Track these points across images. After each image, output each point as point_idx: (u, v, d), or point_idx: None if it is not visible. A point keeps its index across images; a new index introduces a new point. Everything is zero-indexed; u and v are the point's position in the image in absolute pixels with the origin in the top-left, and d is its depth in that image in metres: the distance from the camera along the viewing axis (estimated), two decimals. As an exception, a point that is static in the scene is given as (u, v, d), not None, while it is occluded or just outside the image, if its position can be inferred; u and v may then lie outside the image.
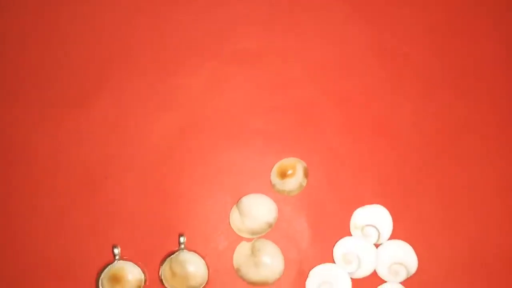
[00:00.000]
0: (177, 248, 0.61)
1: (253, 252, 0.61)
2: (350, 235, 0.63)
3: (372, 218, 0.62)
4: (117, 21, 0.68)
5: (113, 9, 0.68)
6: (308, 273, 0.61)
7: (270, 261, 0.61)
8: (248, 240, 0.63)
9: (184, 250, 0.61)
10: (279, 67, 0.67)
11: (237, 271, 0.62)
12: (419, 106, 0.66)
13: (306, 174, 0.64)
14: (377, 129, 0.65)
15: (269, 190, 0.64)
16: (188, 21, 0.68)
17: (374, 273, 0.62)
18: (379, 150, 0.65)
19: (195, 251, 0.61)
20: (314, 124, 0.66)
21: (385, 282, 0.61)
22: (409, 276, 0.61)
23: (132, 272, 0.60)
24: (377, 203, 0.63)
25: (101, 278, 0.60)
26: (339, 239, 0.62)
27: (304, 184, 0.64)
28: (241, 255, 0.62)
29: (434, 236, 0.63)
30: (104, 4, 0.68)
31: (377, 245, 0.62)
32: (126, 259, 0.61)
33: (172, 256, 0.60)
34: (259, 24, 0.68)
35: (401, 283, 0.61)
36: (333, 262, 0.62)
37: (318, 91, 0.67)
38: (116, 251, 0.61)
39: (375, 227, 0.62)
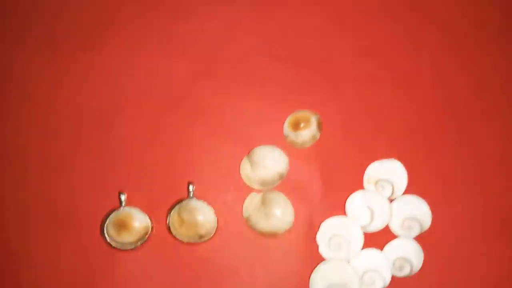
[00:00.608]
0: (185, 197, 0.59)
1: (264, 202, 0.60)
2: (364, 189, 0.61)
3: (387, 173, 0.61)
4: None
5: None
6: (319, 226, 0.60)
7: (281, 212, 0.60)
8: (258, 191, 0.61)
9: (194, 198, 0.59)
10: (297, 15, 0.65)
11: (246, 220, 0.60)
12: (440, 59, 0.64)
13: (320, 126, 0.62)
14: (395, 81, 0.64)
15: (282, 141, 0.62)
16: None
17: (387, 228, 0.60)
18: (397, 103, 0.63)
19: (204, 200, 0.59)
20: (330, 75, 0.64)
21: (398, 236, 0.60)
22: (422, 231, 0.60)
23: (139, 219, 0.59)
24: (392, 157, 0.61)
25: (106, 224, 0.58)
26: (352, 193, 0.61)
27: (318, 136, 0.62)
28: (251, 205, 0.60)
29: (449, 192, 0.61)
30: None
31: (390, 200, 0.61)
32: (133, 206, 0.59)
33: (181, 203, 0.59)
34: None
35: (414, 238, 0.59)
36: (345, 216, 0.60)
37: (336, 41, 0.65)
38: (123, 197, 0.59)
39: (389, 181, 0.60)
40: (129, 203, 0.60)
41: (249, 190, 0.61)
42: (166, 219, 0.59)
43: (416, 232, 0.59)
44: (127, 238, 0.58)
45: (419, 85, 0.64)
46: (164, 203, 0.60)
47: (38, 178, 0.61)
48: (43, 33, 0.64)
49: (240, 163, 0.62)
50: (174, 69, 0.63)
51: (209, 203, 0.59)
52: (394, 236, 0.60)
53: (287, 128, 0.62)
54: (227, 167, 0.62)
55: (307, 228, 0.60)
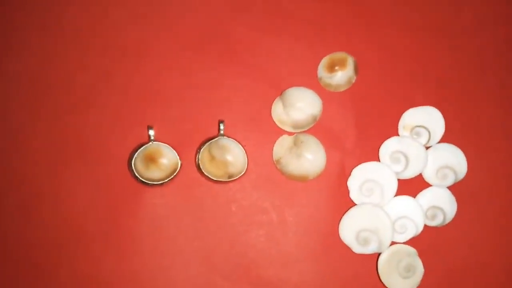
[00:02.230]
0: (215, 135, 0.58)
1: (296, 143, 0.58)
2: (398, 136, 0.59)
3: (424, 119, 0.59)
4: None
5: None
6: (351, 171, 0.58)
7: (312, 156, 0.58)
8: (290, 133, 0.59)
9: (225, 136, 0.57)
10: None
11: (276, 163, 0.58)
12: (480, 7, 0.61)
13: (356, 69, 0.60)
14: (434, 27, 0.61)
15: (316, 84, 0.60)
16: None
17: (421, 176, 0.59)
18: (435, 50, 0.61)
19: (235, 139, 0.58)
20: (368, 18, 0.62)
21: (431, 185, 0.58)
22: (457, 181, 0.58)
23: (167, 154, 0.57)
24: (429, 104, 0.59)
25: (134, 158, 0.57)
26: (386, 139, 0.59)
27: (354, 80, 0.60)
28: (282, 147, 0.59)
29: (486, 142, 0.59)
30: None
31: (426, 147, 0.59)
32: (161, 142, 0.57)
33: (211, 140, 0.57)
34: None
35: (448, 188, 0.58)
36: (379, 162, 0.58)
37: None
38: (152, 132, 0.57)
39: (426, 128, 0.58)
40: (157, 138, 0.58)
41: (280, 132, 0.60)
42: (196, 156, 0.57)
43: (450, 181, 0.58)
44: (155, 173, 0.56)
45: (459, 32, 0.61)
46: (193, 141, 0.59)
47: (66, 110, 0.59)
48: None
49: (271, 104, 0.60)
50: (203, 5, 0.61)
51: (240, 142, 0.58)
52: (428, 185, 0.58)
53: (321, 70, 0.60)
54: (258, 107, 0.60)
55: (339, 173, 0.59)
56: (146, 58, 0.60)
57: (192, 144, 0.59)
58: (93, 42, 0.60)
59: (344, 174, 0.59)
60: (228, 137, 0.58)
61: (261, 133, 0.60)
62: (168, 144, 0.58)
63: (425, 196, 0.58)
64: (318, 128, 0.60)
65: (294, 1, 0.62)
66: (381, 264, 0.56)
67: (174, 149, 0.57)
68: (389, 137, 0.59)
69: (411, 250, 0.56)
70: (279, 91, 0.60)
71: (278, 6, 0.62)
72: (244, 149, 0.58)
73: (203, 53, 0.60)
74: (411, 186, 0.59)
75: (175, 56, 0.60)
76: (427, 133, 0.58)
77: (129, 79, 0.60)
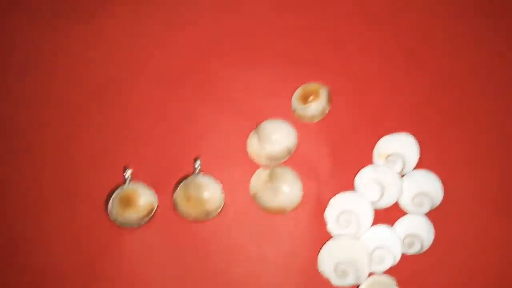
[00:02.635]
0: (191, 173, 0.58)
1: (271, 178, 0.58)
2: (373, 164, 0.59)
3: (398, 147, 0.59)
4: None
5: None
6: (328, 202, 0.59)
7: (288, 188, 0.58)
8: (266, 167, 0.60)
9: (200, 174, 0.58)
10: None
11: (253, 197, 0.59)
12: (453, 29, 0.62)
13: (330, 99, 0.60)
14: (407, 52, 0.61)
15: (290, 115, 0.61)
16: None
17: (397, 204, 0.59)
18: (408, 75, 0.61)
19: (211, 176, 0.58)
20: (340, 46, 0.62)
21: (407, 213, 0.58)
22: (433, 208, 0.58)
23: (144, 195, 0.57)
24: (404, 131, 0.60)
25: (111, 200, 0.57)
26: (362, 168, 0.59)
27: (327, 110, 0.60)
28: (258, 181, 0.59)
29: (461, 167, 0.60)
30: None
31: (401, 175, 0.59)
32: (138, 182, 0.58)
33: (187, 179, 0.57)
34: None
35: (425, 215, 0.58)
36: (354, 192, 0.59)
37: (346, 10, 0.62)
38: (128, 172, 0.58)
39: (400, 156, 0.59)
40: (134, 178, 0.58)
41: (257, 165, 0.60)
42: (172, 196, 0.58)
43: (426, 208, 0.58)
44: (132, 215, 0.57)
45: (432, 56, 0.61)
46: (170, 179, 0.59)
47: (41, 153, 0.59)
48: (44, 3, 0.62)
49: (247, 137, 0.60)
50: (180, 40, 0.61)
51: (216, 179, 0.58)
52: (404, 212, 0.59)
53: (295, 102, 0.61)
54: (234, 142, 0.60)
55: (316, 205, 0.59)
56: (119, 97, 0.60)
57: (169, 183, 0.59)
58: (68, 80, 0.61)
59: (321, 205, 0.59)
60: (204, 174, 0.58)
61: (238, 167, 0.60)
62: (145, 183, 0.58)
63: (402, 224, 0.58)
64: (293, 160, 0.60)
65: (266, 34, 0.62)
66: (360, 295, 0.56)
67: (150, 189, 0.58)
68: (365, 166, 0.59)
69: (390, 280, 0.56)
70: (255, 124, 0.60)
71: (250, 39, 0.62)
72: (221, 186, 0.58)
73: (178, 89, 0.61)
74: (388, 215, 0.59)
75: (149, 92, 0.61)
76: (401, 161, 0.59)
77: (104, 119, 0.60)
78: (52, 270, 0.57)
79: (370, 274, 0.57)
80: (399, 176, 0.58)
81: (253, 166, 0.60)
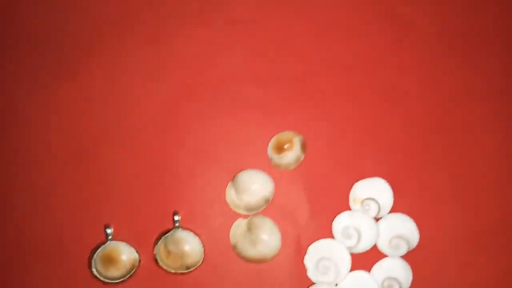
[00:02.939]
0: (171, 227, 0.59)
1: (250, 228, 0.60)
2: (350, 209, 0.61)
3: (372, 191, 0.60)
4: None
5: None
6: (307, 249, 0.60)
7: (267, 238, 0.59)
8: (245, 216, 0.61)
9: (179, 229, 0.59)
10: (277, 35, 0.64)
11: (233, 248, 0.60)
12: (423, 76, 0.63)
13: (304, 147, 0.62)
14: (378, 99, 0.63)
15: (267, 164, 0.62)
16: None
17: (375, 248, 0.60)
18: (381, 121, 0.63)
19: (190, 229, 0.59)
20: (313, 94, 0.63)
21: (386, 256, 0.60)
22: (410, 250, 0.59)
23: (125, 253, 0.59)
24: (378, 175, 0.61)
25: (93, 259, 0.58)
26: (338, 213, 0.60)
27: (302, 158, 0.62)
28: (237, 232, 0.60)
29: (436, 209, 0.61)
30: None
31: (377, 219, 0.60)
32: (119, 239, 0.59)
33: (166, 235, 0.59)
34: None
35: (402, 257, 0.59)
36: (332, 237, 0.60)
37: (317, 60, 0.64)
38: (109, 231, 0.59)
39: (375, 200, 0.60)
40: (116, 235, 0.60)
41: (236, 215, 0.61)
42: (153, 251, 0.59)
43: (403, 250, 0.59)
44: (114, 272, 0.58)
45: (404, 101, 0.63)
46: (151, 234, 0.60)
47: (22, 212, 0.61)
48: (23, 64, 0.64)
49: (225, 188, 0.61)
50: (154, 95, 0.63)
51: (196, 232, 0.59)
52: (382, 255, 0.60)
53: (270, 151, 0.62)
54: (213, 193, 0.62)
55: (295, 252, 0.60)
56: (99, 154, 0.62)
57: (150, 238, 0.60)
58: (47, 139, 0.62)
59: (300, 252, 0.60)
60: (183, 228, 0.59)
61: (217, 218, 0.61)
62: (126, 240, 0.59)
63: (380, 268, 0.59)
64: (272, 208, 0.61)
65: (239, 85, 0.64)
66: None
67: (132, 246, 0.59)
68: (342, 210, 0.61)
69: None
70: (232, 174, 0.62)
71: (224, 90, 0.64)
72: (200, 239, 0.59)
73: (154, 144, 0.62)
74: (367, 258, 0.60)
75: (127, 149, 0.62)
76: (376, 205, 0.60)
77: (84, 178, 0.61)
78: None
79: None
80: (374, 220, 0.60)
81: (233, 216, 0.61)
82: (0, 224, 0.61)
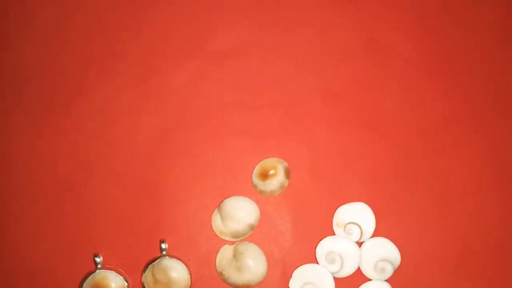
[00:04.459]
0: (159, 255, 0.61)
1: (236, 255, 0.61)
2: (333, 233, 0.62)
3: (355, 216, 0.62)
4: (95, 22, 0.67)
5: (92, 10, 0.67)
6: (292, 273, 0.61)
7: (253, 264, 0.61)
8: (231, 243, 0.62)
9: (166, 257, 0.60)
10: (261, 65, 0.66)
11: (220, 274, 0.61)
12: (405, 103, 0.65)
13: (288, 174, 0.63)
14: (360, 126, 0.64)
15: (252, 191, 0.63)
16: (168, 20, 0.67)
17: (359, 271, 0.61)
18: (363, 146, 0.64)
19: (177, 257, 0.61)
20: (296, 121, 0.65)
21: (369, 279, 0.61)
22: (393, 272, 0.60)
23: (114, 281, 0.60)
24: (361, 200, 0.62)
25: (83, 287, 0.60)
26: (323, 238, 0.62)
27: (286, 184, 0.63)
28: (223, 258, 0.61)
29: (418, 232, 0.62)
30: (84, 5, 0.67)
31: (359, 243, 0.61)
32: (108, 268, 0.61)
33: (153, 263, 0.60)
34: (241, 21, 0.67)
35: (385, 280, 0.60)
36: (317, 262, 0.61)
37: (301, 88, 0.66)
38: (98, 259, 0.60)
39: (357, 224, 0.61)
40: (105, 264, 0.61)
41: (222, 242, 0.62)
42: (141, 279, 0.60)
43: (389, 273, 0.60)
44: (104, 301, 0.59)
45: (386, 127, 0.64)
46: (139, 263, 0.62)
47: (11, 242, 0.62)
48: (12, 99, 0.66)
49: (211, 215, 0.63)
50: (141, 125, 0.65)
51: (182, 259, 0.61)
52: (365, 279, 0.61)
53: (255, 178, 0.63)
54: (199, 220, 0.63)
55: (280, 277, 0.61)
56: (87, 185, 0.64)
57: (138, 266, 0.61)
58: (37, 169, 0.64)
59: (285, 276, 0.61)
60: (170, 256, 0.61)
61: (204, 245, 0.63)
62: (115, 269, 0.61)
63: (364, 292, 0.60)
64: (257, 234, 0.63)
65: (225, 114, 0.65)
66: None
67: (121, 274, 0.60)
68: (326, 235, 0.62)
69: None
70: (219, 201, 0.63)
71: (210, 119, 0.65)
72: (187, 266, 0.60)
73: (142, 173, 0.64)
74: (351, 282, 0.61)
75: (114, 179, 0.64)
76: (359, 230, 0.61)
77: (73, 209, 0.63)
78: None
79: None
80: (356, 245, 0.61)
81: (219, 243, 0.62)
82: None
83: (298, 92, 0.66)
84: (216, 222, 0.62)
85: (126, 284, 0.60)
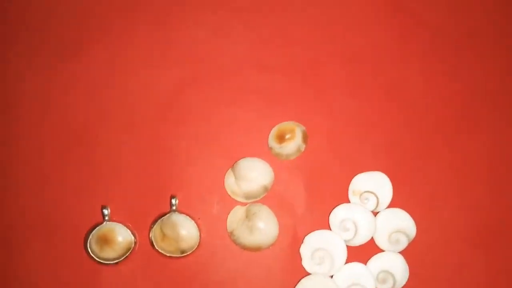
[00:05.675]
0: (168, 210, 0.59)
1: (248, 216, 0.59)
2: (348, 201, 0.60)
3: (372, 185, 0.60)
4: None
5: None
6: (303, 239, 0.59)
7: (264, 226, 0.59)
8: (243, 204, 0.61)
9: (176, 212, 0.59)
10: (283, 24, 0.64)
11: (230, 235, 0.60)
12: (427, 70, 0.63)
13: (305, 138, 0.62)
14: (382, 92, 0.63)
15: (266, 153, 0.62)
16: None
17: (372, 242, 0.60)
18: (383, 114, 0.62)
19: (187, 214, 0.59)
20: (317, 85, 0.63)
21: (382, 250, 0.59)
22: (408, 245, 0.59)
23: (121, 234, 0.58)
24: (378, 169, 0.61)
25: (89, 238, 0.58)
26: (337, 205, 0.60)
27: (303, 148, 0.62)
28: (235, 219, 0.60)
29: (435, 204, 0.60)
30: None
31: (375, 213, 0.60)
32: (115, 221, 0.59)
33: (163, 217, 0.59)
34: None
35: (399, 251, 0.59)
36: (329, 229, 0.60)
37: (322, 50, 0.64)
38: (106, 211, 0.59)
39: (374, 193, 0.60)
40: (113, 216, 0.59)
41: (234, 203, 0.61)
42: (149, 234, 0.59)
43: (403, 245, 0.59)
44: (110, 253, 0.58)
45: (407, 96, 0.63)
46: (148, 217, 0.60)
47: (20, 192, 0.61)
48: (26, 43, 0.64)
49: (224, 175, 0.61)
50: (158, 79, 0.63)
51: (193, 217, 0.59)
52: (378, 250, 0.59)
53: (271, 140, 0.62)
54: (212, 179, 0.61)
55: (291, 242, 0.60)
56: (98, 136, 0.62)
57: (147, 220, 0.60)
58: (48, 118, 0.62)
59: (296, 242, 0.60)
60: (180, 212, 0.59)
61: (215, 204, 0.61)
62: (123, 222, 0.59)
63: (376, 261, 0.59)
64: (270, 197, 0.61)
65: (244, 73, 0.64)
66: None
67: (128, 227, 0.59)
68: (340, 202, 0.60)
69: None
70: (232, 162, 0.61)
71: (229, 77, 0.63)
72: (197, 223, 0.59)
73: (156, 128, 0.62)
74: (363, 251, 0.59)
75: (127, 130, 0.62)
76: (375, 199, 0.60)
77: (83, 158, 0.61)
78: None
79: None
80: (371, 214, 0.59)
81: (230, 203, 0.61)
82: (2, 203, 0.61)
83: (320, 55, 0.64)
84: (229, 182, 0.61)
85: (133, 238, 0.58)
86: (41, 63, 0.63)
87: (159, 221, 0.59)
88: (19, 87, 0.63)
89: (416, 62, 0.64)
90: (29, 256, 0.60)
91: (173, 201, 0.59)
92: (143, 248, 0.59)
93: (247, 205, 0.60)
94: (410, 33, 0.64)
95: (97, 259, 0.58)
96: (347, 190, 0.61)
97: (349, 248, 0.59)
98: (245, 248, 0.59)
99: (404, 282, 0.58)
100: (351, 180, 0.61)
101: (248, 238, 0.59)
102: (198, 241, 0.58)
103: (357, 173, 0.61)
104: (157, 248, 0.58)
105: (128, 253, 0.58)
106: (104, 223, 0.58)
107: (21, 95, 0.63)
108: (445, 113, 0.62)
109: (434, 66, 0.64)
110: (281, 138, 0.61)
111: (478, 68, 0.63)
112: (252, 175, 0.60)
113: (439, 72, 0.63)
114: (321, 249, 0.58)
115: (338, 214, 0.59)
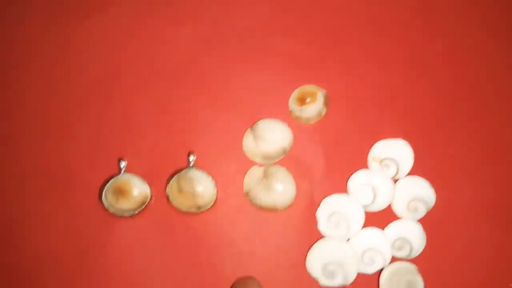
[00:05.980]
0: (186, 166, 0.59)
1: (266, 175, 0.59)
2: (367, 168, 0.60)
3: (393, 152, 0.59)
4: None
5: None
6: (320, 203, 0.59)
7: (282, 187, 0.59)
8: (260, 165, 0.60)
9: (193, 168, 0.58)
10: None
11: (246, 194, 0.59)
12: (452, 38, 0.62)
13: (327, 102, 0.61)
14: (405, 60, 0.62)
15: (286, 116, 0.61)
16: None
17: (389, 209, 0.59)
18: (406, 82, 0.62)
19: (204, 171, 0.58)
20: (339, 50, 0.62)
21: (399, 218, 0.58)
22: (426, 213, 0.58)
23: (138, 186, 0.58)
24: (399, 137, 0.60)
25: (105, 189, 0.58)
26: (355, 171, 0.59)
27: (323, 112, 0.61)
28: (252, 178, 0.59)
29: (455, 175, 0.60)
30: None
31: (394, 180, 0.59)
32: (132, 173, 0.58)
33: (180, 172, 0.58)
34: None
35: (418, 221, 0.58)
36: (347, 194, 0.59)
37: (347, 16, 0.63)
38: (123, 163, 0.58)
39: (395, 160, 0.59)
40: (129, 170, 0.59)
41: (251, 163, 0.60)
42: (166, 188, 0.58)
43: (421, 213, 0.58)
44: (125, 205, 0.57)
45: (430, 64, 0.62)
46: (164, 172, 0.59)
47: (37, 142, 0.60)
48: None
49: (243, 135, 0.61)
50: (179, 36, 0.63)
51: (210, 174, 0.58)
52: (395, 217, 0.59)
53: (292, 103, 0.61)
54: (230, 139, 0.61)
55: (308, 204, 0.59)
56: (117, 89, 0.61)
57: (163, 175, 0.59)
58: (66, 74, 0.62)
59: (313, 205, 0.59)
60: (198, 168, 0.58)
61: (233, 164, 0.60)
62: (139, 175, 0.59)
63: (392, 228, 0.58)
64: (288, 160, 0.60)
65: (266, 35, 0.63)
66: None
67: (144, 181, 0.58)
68: (359, 169, 0.60)
69: (412, 267, 0.56)
70: (251, 123, 0.61)
71: (250, 39, 0.63)
72: (214, 181, 0.58)
73: (176, 85, 0.62)
74: (380, 218, 0.59)
75: (147, 87, 0.62)
76: (395, 166, 0.59)
77: (101, 111, 0.61)
78: (46, 256, 0.58)
79: (392, 260, 0.57)
80: (391, 181, 0.59)
81: (248, 164, 0.60)
82: (15, 152, 0.60)
83: (344, 20, 0.63)
84: (248, 142, 0.60)
85: (149, 190, 0.58)
86: (60, 19, 0.63)
87: (176, 175, 0.58)
88: (41, 39, 0.63)
89: (442, 33, 0.63)
90: (44, 206, 0.59)
91: (191, 157, 0.59)
92: (159, 203, 0.59)
93: (265, 166, 0.60)
94: (439, 3, 0.63)
95: (112, 210, 0.57)
96: (367, 156, 0.60)
97: (366, 214, 0.58)
98: (261, 208, 0.59)
99: (420, 251, 0.57)
100: (371, 147, 0.60)
101: (265, 197, 0.58)
102: (215, 198, 0.58)
103: (378, 140, 0.60)
104: (173, 203, 0.58)
105: (144, 206, 0.57)
106: (121, 174, 0.58)
107: (38, 51, 0.62)
108: (471, 82, 0.62)
109: (461, 39, 0.63)
110: (302, 101, 0.61)
111: (502, 41, 0.62)
112: (272, 136, 0.59)
113: (464, 40, 0.63)
114: (338, 213, 0.58)
115: (358, 178, 0.59)
